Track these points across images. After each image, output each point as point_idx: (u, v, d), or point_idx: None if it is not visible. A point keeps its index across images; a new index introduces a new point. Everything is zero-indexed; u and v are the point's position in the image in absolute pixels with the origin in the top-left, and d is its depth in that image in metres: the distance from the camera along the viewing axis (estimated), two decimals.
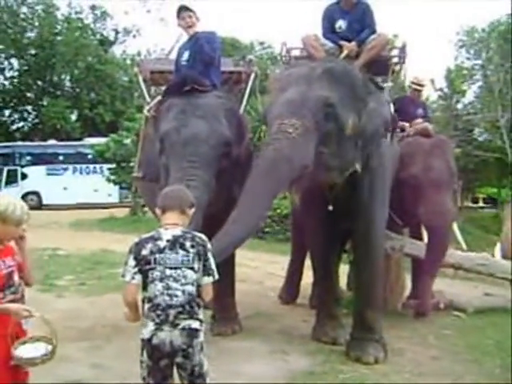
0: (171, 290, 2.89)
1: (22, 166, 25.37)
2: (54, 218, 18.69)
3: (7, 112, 33.42)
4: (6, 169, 25.04)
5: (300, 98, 4.37)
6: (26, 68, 31.96)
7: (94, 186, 23.65)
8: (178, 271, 2.90)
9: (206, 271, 2.96)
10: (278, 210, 12.34)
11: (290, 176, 4.23)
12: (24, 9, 31.41)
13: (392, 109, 5.19)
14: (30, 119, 33.81)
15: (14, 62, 32.38)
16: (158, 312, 2.90)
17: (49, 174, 25.17)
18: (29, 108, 33.54)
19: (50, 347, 2.89)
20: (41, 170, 25.15)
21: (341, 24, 5.51)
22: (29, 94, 32.86)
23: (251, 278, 7.85)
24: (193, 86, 5.01)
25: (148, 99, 5.80)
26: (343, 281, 6.51)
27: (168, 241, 2.94)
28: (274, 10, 57.77)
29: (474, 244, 8.47)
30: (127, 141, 17.64)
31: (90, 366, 4.57)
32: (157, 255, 2.92)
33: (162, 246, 2.93)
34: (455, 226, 6.70)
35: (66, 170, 25.45)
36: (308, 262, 6.45)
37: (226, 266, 4.89)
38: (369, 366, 4.72)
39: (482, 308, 6.65)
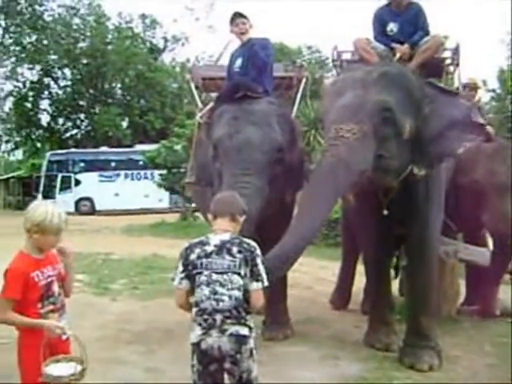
0: (218, 294, 2.91)
1: (76, 173, 26.06)
2: (106, 223, 19.11)
3: (61, 120, 34.40)
4: (60, 175, 25.75)
5: (357, 103, 4.35)
6: (78, 77, 32.81)
7: (144, 191, 24.08)
8: (225, 276, 2.91)
9: (255, 277, 2.95)
10: None
11: (348, 181, 4.22)
12: (76, 20, 32.37)
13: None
14: (82, 127, 34.68)
15: (67, 71, 33.34)
16: (205, 316, 2.92)
17: (101, 181, 25.75)
18: (81, 116, 34.40)
19: (79, 367, 2.86)
20: (93, 176, 25.77)
21: (392, 27, 5.42)
22: (81, 103, 33.70)
23: (301, 284, 7.82)
24: (245, 93, 5.04)
25: (200, 105, 5.87)
26: (395, 286, 6.41)
27: (215, 246, 2.97)
28: (321, 14, 57.65)
29: None
30: (178, 147, 17.85)
31: (143, 370, 4.64)
32: (203, 260, 2.95)
33: (209, 250, 2.97)
34: None
35: (117, 176, 26.00)
36: (359, 268, 6.40)
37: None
38: (423, 374, 4.63)
39: None
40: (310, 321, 6.20)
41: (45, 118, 34.08)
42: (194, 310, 2.98)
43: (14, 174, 36.16)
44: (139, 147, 25.47)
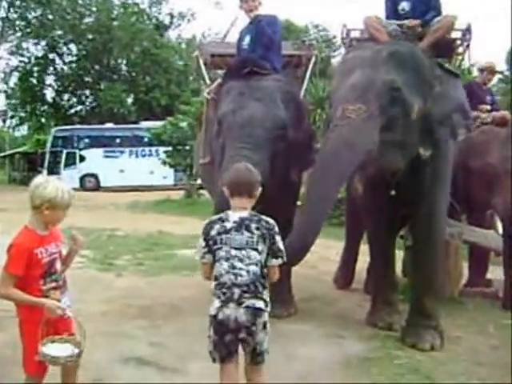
0: (236, 269, 2.97)
1: (81, 149, 26.09)
2: (111, 199, 19.17)
3: (66, 96, 34.37)
4: (65, 151, 25.80)
5: (365, 82, 4.32)
6: (83, 53, 32.69)
7: (149, 168, 24.10)
8: (243, 252, 2.98)
9: (275, 253, 3.03)
10: None
11: (353, 162, 4.22)
12: None
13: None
14: (87, 103, 34.65)
15: (73, 47, 33.23)
16: (224, 290, 2.99)
17: (106, 157, 25.77)
18: (87, 92, 34.35)
19: (76, 350, 2.90)
20: (98, 152, 25.80)
21: (404, 6, 5.37)
22: (87, 79, 33.64)
23: (306, 262, 7.72)
24: (252, 69, 5.03)
25: (208, 82, 5.85)
26: (398, 267, 6.43)
27: (235, 222, 3.03)
28: None
29: None
30: (183, 124, 17.84)
31: (148, 344, 4.66)
32: (223, 236, 3.01)
33: (228, 227, 3.03)
34: None
35: (122, 152, 26.02)
36: (363, 247, 6.41)
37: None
38: (425, 353, 4.65)
39: None
40: (314, 299, 6.23)
41: (50, 94, 34.14)
42: (214, 283, 3.05)
43: (19, 149, 36.24)
44: (144, 124, 25.43)
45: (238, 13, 5.69)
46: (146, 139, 23.92)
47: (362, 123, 4.19)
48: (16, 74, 33.20)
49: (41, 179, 3.00)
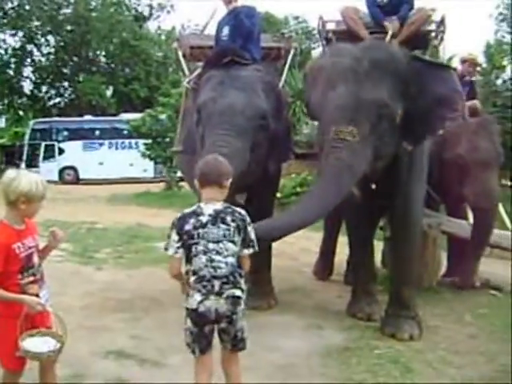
0: (215, 262, 3.01)
1: (59, 141, 25.80)
2: (90, 192, 19.02)
3: (44, 88, 33.89)
4: (43, 144, 25.49)
5: (353, 103, 4.30)
6: (61, 44, 32.26)
7: (129, 160, 23.91)
8: (220, 244, 3.01)
9: (247, 243, 3.10)
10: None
11: (352, 183, 4.32)
12: None
13: None
14: (66, 95, 34.22)
15: (51, 38, 32.74)
16: (204, 283, 3.02)
17: (85, 149, 25.53)
18: (65, 84, 33.92)
19: (58, 345, 2.89)
20: (77, 145, 25.53)
21: None
22: (65, 70, 33.22)
23: (286, 254, 7.87)
24: (233, 58, 5.02)
25: (188, 74, 5.82)
26: (377, 258, 6.49)
27: (210, 215, 3.03)
28: None
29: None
30: (163, 116, 17.73)
31: (129, 337, 4.67)
32: (200, 230, 3.02)
33: (204, 220, 3.03)
34: (501, 207, 6.61)
35: (102, 145, 25.77)
36: (342, 238, 6.45)
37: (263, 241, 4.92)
38: (404, 343, 4.72)
39: None
40: (294, 291, 6.27)
41: (28, 86, 33.58)
42: (192, 278, 3.06)
43: None
44: (124, 116, 25.22)
45: (218, 5, 5.68)
46: (125, 131, 23.70)
47: (358, 145, 4.24)
48: None
49: (12, 174, 2.94)
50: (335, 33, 5.63)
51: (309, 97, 4.96)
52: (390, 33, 5.15)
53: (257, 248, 3.15)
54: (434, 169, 5.50)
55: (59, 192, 16.32)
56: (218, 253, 3.01)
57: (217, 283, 3.01)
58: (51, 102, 34.04)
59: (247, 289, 5.49)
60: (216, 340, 3.19)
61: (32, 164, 23.52)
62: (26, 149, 25.62)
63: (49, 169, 23.53)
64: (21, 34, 31.68)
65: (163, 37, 34.70)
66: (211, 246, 3.01)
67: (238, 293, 3.06)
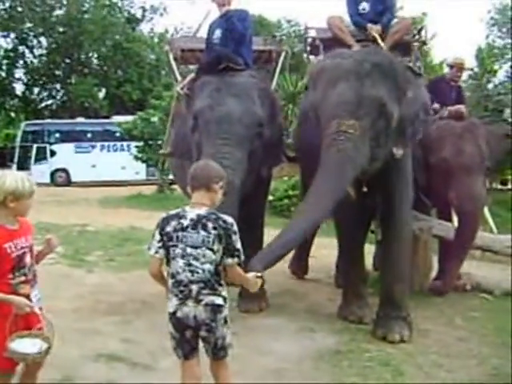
0: (192, 267, 2.96)
1: (51, 144, 25.70)
2: (82, 194, 18.96)
3: (36, 90, 33.75)
4: (35, 146, 25.38)
5: (356, 98, 4.42)
6: (54, 46, 32.12)
7: (121, 163, 23.87)
8: (198, 250, 2.95)
9: (231, 253, 2.99)
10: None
11: (353, 176, 4.38)
12: None
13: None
14: (58, 97, 34.06)
15: (43, 40, 32.59)
16: (181, 288, 2.98)
17: (77, 152, 25.45)
18: (57, 86, 33.77)
19: (45, 346, 2.87)
20: (69, 147, 25.45)
21: (365, 5, 5.65)
22: (57, 72, 33.09)
23: None
24: (227, 64, 5.02)
25: (178, 77, 5.83)
26: (369, 261, 6.51)
27: (192, 220, 2.98)
28: None
29: (502, 226, 8.38)
30: (154, 119, 17.69)
31: (120, 340, 4.66)
32: (179, 233, 2.98)
33: (185, 224, 2.99)
34: (486, 210, 6.63)
35: (93, 147, 25.70)
36: (333, 241, 6.45)
37: (254, 245, 4.93)
38: (395, 346, 4.73)
39: (510, 290, 6.59)
40: (286, 293, 6.28)
41: (19, 88, 33.43)
42: (170, 281, 3.03)
43: None
44: (116, 118, 25.12)
45: (211, 7, 5.69)
46: (117, 134, 23.62)
47: (359, 139, 4.33)
48: None
49: None
50: (322, 40, 5.74)
51: (309, 99, 5.00)
52: (376, 36, 5.30)
53: (242, 258, 3.04)
54: (421, 173, 5.55)
55: (51, 194, 16.29)
56: (195, 258, 2.95)
57: (194, 288, 2.95)
58: (43, 104, 33.90)
59: (239, 292, 5.53)
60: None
61: (24, 166, 23.38)
62: (17, 151, 25.51)
63: (40, 171, 23.43)
64: (13, 35, 31.54)
65: (156, 39, 34.61)
66: (189, 250, 2.96)
67: (218, 301, 3.00)
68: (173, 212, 3.09)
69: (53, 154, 25.47)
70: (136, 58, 31.91)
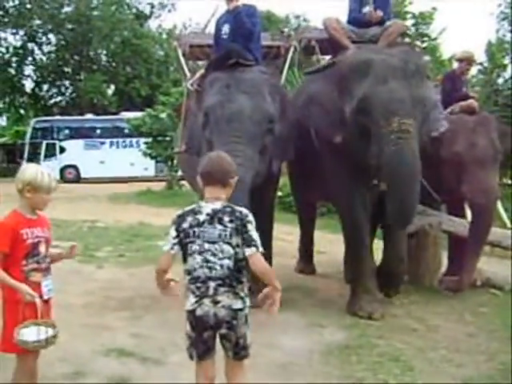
0: (210, 263, 2.88)
1: (60, 140, 25.83)
2: (91, 191, 19.04)
3: (45, 87, 33.93)
4: (44, 142, 25.53)
5: (410, 98, 4.73)
6: (63, 43, 32.28)
7: (130, 159, 23.94)
8: (216, 245, 2.88)
9: (248, 243, 2.89)
10: None
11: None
12: None
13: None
14: (67, 94, 34.24)
15: (52, 37, 32.76)
16: (198, 284, 2.91)
17: (86, 148, 25.55)
18: (66, 83, 33.96)
19: (43, 336, 2.89)
20: (78, 143, 25.58)
21: (367, 10, 5.67)
22: (66, 69, 33.25)
23: (287, 252, 7.87)
24: (237, 60, 5.01)
25: (187, 73, 5.83)
26: (378, 256, 6.49)
27: (207, 215, 2.92)
28: None
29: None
30: (163, 115, 17.73)
31: (130, 335, 4.66)
32: (196, 229, 2.92)
33: (201, 219, 2.93)
34: (499, 205, 6.60)
35: (103, 143, 25.80)
36: (339, 237, 6.45)
37: (263, 240, 4.92)
38: (404, 341, 4.72)
39: None
40: (295, 289, 6.26)
41: (29, 85, 33.64)
42: (187, 278, 2.96)
43: None
44: (125, 115, 25.21)
45: (219, 3, 5.68)
46: (126, 130, 23.71)
47: (415, 137, 4.68)
48: None
49: (24, 165, 3.17)
50: (318, 41, 5.78)
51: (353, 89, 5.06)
52: (373, 18, 5.51)
53: (261, 248, 2.92)
54: (433, 167, 5.53)
55: (60, 191, 16.16)
56: (213, 254, 2.88)
57: (212, 285, 2.88)
58: (52, 101, 34.09)
59: (248, 287, 5.53)
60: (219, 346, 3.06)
61: (33, 162, 23.40)
62: (27, 147, 25.68)
63: (50, 167, 23.32)
64: (22, 32, 31.72)
65: (164, 35, 34.70)
66: (207, 246, 2.89)
67: (236, 305, 2.94)
68: (188, 208, 3.03)
69: (62, 150, 25.61)
70: (144, 55, 32.00)
